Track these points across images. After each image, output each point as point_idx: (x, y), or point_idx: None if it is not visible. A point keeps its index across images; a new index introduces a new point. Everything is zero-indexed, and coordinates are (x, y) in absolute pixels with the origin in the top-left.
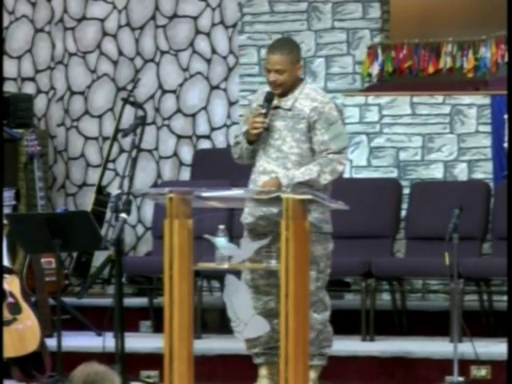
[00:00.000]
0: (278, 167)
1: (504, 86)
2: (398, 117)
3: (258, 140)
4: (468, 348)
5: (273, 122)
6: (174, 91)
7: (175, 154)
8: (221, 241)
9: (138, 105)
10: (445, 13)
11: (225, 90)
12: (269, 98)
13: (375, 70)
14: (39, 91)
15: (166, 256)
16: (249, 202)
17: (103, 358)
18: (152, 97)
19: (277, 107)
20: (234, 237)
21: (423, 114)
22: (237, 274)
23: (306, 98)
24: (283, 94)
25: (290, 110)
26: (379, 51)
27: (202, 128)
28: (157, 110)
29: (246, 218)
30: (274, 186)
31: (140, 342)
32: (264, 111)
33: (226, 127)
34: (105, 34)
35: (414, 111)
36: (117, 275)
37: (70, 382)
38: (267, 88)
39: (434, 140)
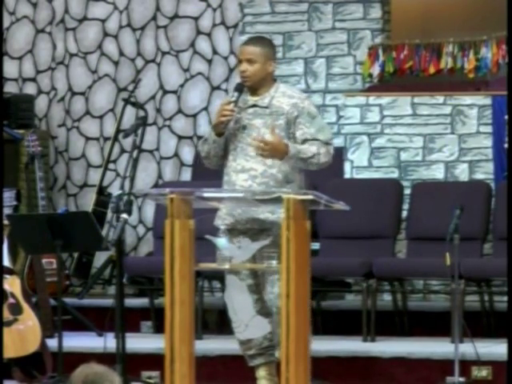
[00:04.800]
0: (257, 164)
1: (505, 87)
2: (398, 117)
3: (225, 130)
4: (469, 348)
5: (250, 121)
6: (174, 92)
7: (176, 155)
8: (222, 241)
9: (138, 105)
10: (446, 13)
11: (226, 90)
12: (239, 89)
13: (376, 70)
14: (40, 92)
15: (167, 256)
16: (226, 202)
17: (104, 358)
18: (153, 97)
19: (254, 105)
20: None
21: (424, 115)
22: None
23: (283, 95)
24: (254, 91)
25: (267, 107)
26: (380, 52)
27: (203, 128)
28: (158, 110)
29: (225, 218)
30: (278, 143)
31: (141, 342)
32: (234, 99)
33: None
34: (106, 34)
35: (415, 112)
36: (118, 276)
37: (70, 383)
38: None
39: (435, 140)
